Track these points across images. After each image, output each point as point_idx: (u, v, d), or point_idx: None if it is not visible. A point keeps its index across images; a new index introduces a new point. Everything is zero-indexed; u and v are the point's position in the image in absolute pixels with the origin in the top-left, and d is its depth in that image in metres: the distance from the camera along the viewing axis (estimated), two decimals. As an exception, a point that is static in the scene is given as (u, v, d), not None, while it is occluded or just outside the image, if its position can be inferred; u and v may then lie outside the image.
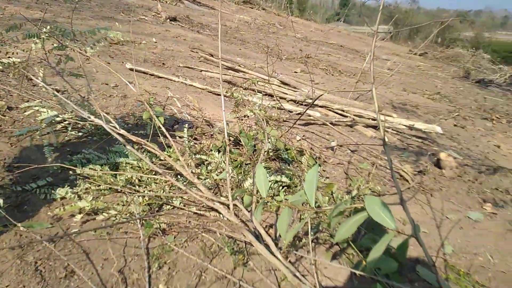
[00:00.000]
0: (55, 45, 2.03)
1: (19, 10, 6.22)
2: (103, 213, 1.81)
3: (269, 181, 2.30)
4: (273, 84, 4.92)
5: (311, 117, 3.97)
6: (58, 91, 3.20)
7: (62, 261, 1.52)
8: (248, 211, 1.70)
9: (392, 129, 4.42)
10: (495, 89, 10.18)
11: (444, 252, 2.14)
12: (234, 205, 1.69)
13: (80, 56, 2.72)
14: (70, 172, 2.03)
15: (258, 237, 1.78)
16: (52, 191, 1.89)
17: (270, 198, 1.48)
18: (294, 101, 4.63)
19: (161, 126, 1.94)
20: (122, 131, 1.88)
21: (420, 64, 13.96)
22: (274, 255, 1.46)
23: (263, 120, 2.36)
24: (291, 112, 3.90)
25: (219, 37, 1.99)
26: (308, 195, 1.18)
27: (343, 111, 4.51)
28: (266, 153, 2.43)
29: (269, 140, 2.35)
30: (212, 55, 6.16)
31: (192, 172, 2.28)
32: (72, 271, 1.49)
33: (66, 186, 1.93)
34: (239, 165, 2.50)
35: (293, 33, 14.08)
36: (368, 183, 2.66)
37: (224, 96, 3.92)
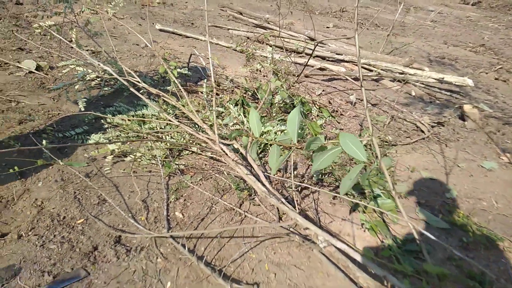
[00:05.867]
0: (83, 8, 2.26)
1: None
2: (130, 155, 2.10)
3: (281, 131, 2.46)
4: (299, 40, 4.91)
5: (334, 72, 3.99)
6: (93, 52, 3.49)
7: (96, 192, 1.83)
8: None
9: (421, 83, 4.32)
10: (553, 40, 9.24)
11: (447, 196, 2.23)
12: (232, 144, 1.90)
13: (113, 20, 2.96)
14: (103, 121, 2.33)
15: (265, 173, 1.99)
16: (88, 137, 2.19)
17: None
18: (320, 56, 4.64)
19: (174, 79, 2.14)
20: (143, 84, 2.11)
21: (470, 15, 12.86)
22: (264, 186, 1.66)
23: (273, 72, 2.47)
24: (312, 66, 3.94)
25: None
26: (290, 132, 1.33)
27: (370, 65, 4.46)
28: (277, 104, 2.58)
29: (279, 91, 2.48)
30: (241, 13, 6.18)
31: (208, 121, 2.49)
32: (104, 200, 1.79)
33: (99, 133, 2.23)
34: (255, 116, 2.67)
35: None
36: (379, 133, 2.73)
37: (241, 52, 4.05)
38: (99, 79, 2.71)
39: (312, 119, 2.81)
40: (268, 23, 5.87)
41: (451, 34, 8.57)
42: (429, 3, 14.18)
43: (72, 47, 3.24)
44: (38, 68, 2.90)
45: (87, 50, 3.21)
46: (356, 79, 4.17)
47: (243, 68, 2.78)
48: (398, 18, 9.07)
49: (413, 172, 2.44)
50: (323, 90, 3.56)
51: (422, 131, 2.95)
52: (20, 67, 2.87)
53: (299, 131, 2.51)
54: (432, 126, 3.03)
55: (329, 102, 3.27)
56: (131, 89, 2.08)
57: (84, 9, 2.27)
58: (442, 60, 6.13)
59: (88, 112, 2.12)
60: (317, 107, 3.00)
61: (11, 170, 1.62)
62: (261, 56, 4.09)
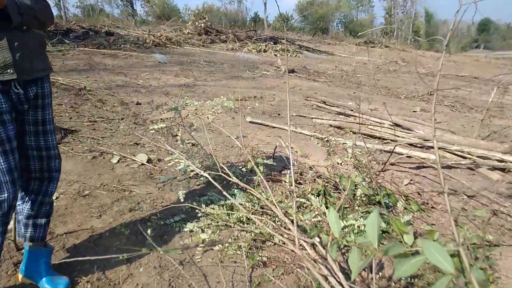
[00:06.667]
0: (189, 115, 2.73)
1: (169, 79, 7.85)
2: (219, 245, 2.26)
3: (364, 225, 2.43)
4: (383, 126, 4.95)
5: (423, 160, 3.86)
6: (193, 144, 4.00)
7: (187, 280, 1.99)
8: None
9: (528, 171, 3.89)
10: None
11: None
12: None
13: (211, 117, 3.47)
14: (197, 210, 2.59)
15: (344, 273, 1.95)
16: (184, 225, 2.45)
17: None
18: (407, 143, 4.56)
19: (260, 174, 2.34)
20: (233, 178, 2.35)
21: None
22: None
23: (354, 166, 2.54)
24: (399, 154, 3.89)
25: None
26: (370, 236, 1.35)
27: (463, 152, 4.21)
28: (359, 197, 2.58)
29: (361, 185, 2.51)
30: (324, 102, 6.53)
31: (291, 214, 2.59)
32: (194, 289, 1.94)
33: (193, 221, 2.48)
34: (338, 209, 2.69)
35: (417, 69, 13.50)
36: (479, 231, 2.49)
37: (327, 141, 4.21)
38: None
39: (399, 213, 2.72)
40: (351, 110, 6.06)
41: None
42: (533, 79, 13.14)
43: (177, 141, 3.78)
44: (149, 160, 3.42)
45: (188, 143, 3.69)
46: (449, 167, 3.96)
47: (324, 162, 2.91)
48: (494, 98, 8.54)
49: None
50: (411, 180, 3.45)
51: (532, 230, 2.61)
52: (135, 160, 3.42)
53: (383, 228, 2.44)
54: (546, 225, 2.66)
55: (418, 193, 3.14)
56: (219, 188, 2.34)
57: (190, 115, 2.74)
58: (554, 143, 5.47)
59: (185, 204, 2.41)
60: (404, 199, 2.90)
61: (121, 257, 1.88)
62: (343, 144, 4.19)
